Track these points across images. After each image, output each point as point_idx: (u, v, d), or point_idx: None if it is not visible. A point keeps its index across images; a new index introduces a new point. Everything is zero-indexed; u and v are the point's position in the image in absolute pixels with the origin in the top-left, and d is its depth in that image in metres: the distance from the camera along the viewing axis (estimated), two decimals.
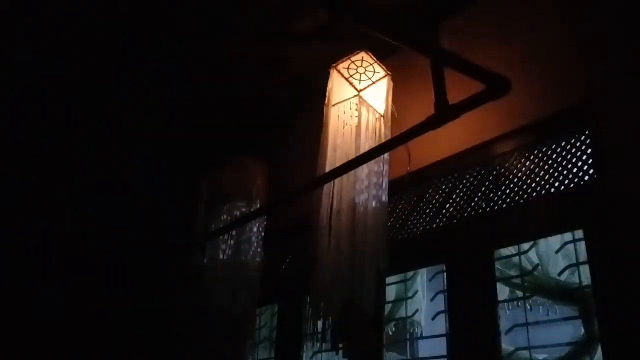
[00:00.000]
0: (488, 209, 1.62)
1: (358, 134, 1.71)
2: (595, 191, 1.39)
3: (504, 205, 1.58)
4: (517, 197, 1.56)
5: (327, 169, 1.68)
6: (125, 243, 2.78)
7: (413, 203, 1.87)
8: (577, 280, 1.49)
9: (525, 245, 1.62)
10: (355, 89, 1.73)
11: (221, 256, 2.18)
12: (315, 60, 2.10)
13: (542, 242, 1.73)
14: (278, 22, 1.99)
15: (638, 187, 1.29)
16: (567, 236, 1.54)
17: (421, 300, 2.11)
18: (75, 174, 2.78)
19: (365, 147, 1.68)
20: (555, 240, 1.71)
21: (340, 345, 1.58)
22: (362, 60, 1.79)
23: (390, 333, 2.06)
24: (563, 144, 1.51)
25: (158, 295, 2.73)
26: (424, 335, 2.07)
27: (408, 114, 1.82)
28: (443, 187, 1.79)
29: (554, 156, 1.51)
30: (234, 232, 2.19)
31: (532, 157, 1.57)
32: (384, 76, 1.80)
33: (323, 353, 2.11)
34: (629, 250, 1.26)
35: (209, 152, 2.62)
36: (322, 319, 1.60)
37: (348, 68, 1.77)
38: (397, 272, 1.91)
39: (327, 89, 1.81)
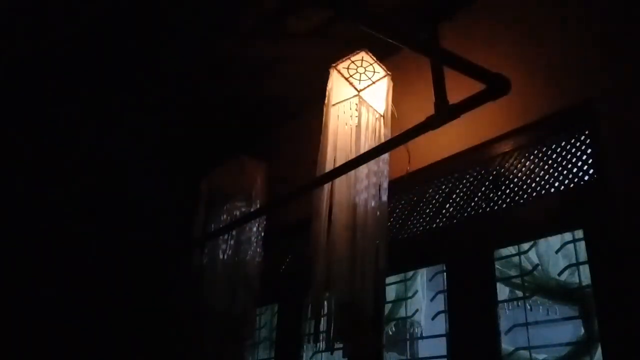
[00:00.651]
0: (488, 209, 1.62)
1: (358, 134, 1.71)
2: (595, 191, 1.39)
3: (504, 205, 1.58)
4: (517, 197, 1.56)
5: (327, 169, 1.68)
6: (125, 243, 2.78)
7: (413, 203, 1.87)
8: (577, 280, 1.50)
9: (525, 245, 1.62)
10: (355, 89, 1.73)
11: (221, 256, 2.18)
12: (315, 60, 2.10)
13: (542, 242, 1.74)
14: (278, 22, 1.99)
15: (638, 187, 1.29)
16: (567, 236, 1.54)
17: (421, 300, 2.12)
18: (75, 174, 2.78)
19: (365, 147, 1.68)
20: (555, 240, 1.71)
21: (340, 346, 1.58)
22: (362, 60, 1.78)
23: (390, 333, 2.06)
24: (563, 143, 1.51)
25: (158, 295, 2.73)
26: (424, 335, 2.07)
27: (408, 114, 1.82)
28: (443, 187, 1.79)
29: (554, 156, 1.51)
30: (234, 232, 2.18)
31: (532, 157, 1.57)
32: (384, 76, 1.80)
33: (323, 353, 2.11)
34: (629, 250, 1.26)
35: (209, 152, 2.62)
36: (320, 319, 1.60)
37: (348, 68, 1.77)
38: (397, 272, 1.91)
39: (327, 89, 1.81)
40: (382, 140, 1.70)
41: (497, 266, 1.61)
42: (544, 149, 1.54)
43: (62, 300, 2.64)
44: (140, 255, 2.79)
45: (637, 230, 1.27)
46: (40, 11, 1.94)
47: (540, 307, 1.75)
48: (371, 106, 1.76)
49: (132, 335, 2.72)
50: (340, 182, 1.70)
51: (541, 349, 1.61)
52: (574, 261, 1.52)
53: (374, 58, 1.81)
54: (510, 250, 1.63)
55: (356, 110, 1.76)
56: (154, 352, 2.60)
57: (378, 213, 1.63)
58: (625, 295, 1.24)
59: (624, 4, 1.45)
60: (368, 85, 1.75)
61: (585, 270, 1.41)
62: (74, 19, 1.99)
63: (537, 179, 1.53)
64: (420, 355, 2.03)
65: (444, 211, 1.75)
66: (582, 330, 1.56)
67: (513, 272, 1.66)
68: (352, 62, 1.78)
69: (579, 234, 1.44)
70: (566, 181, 1.47)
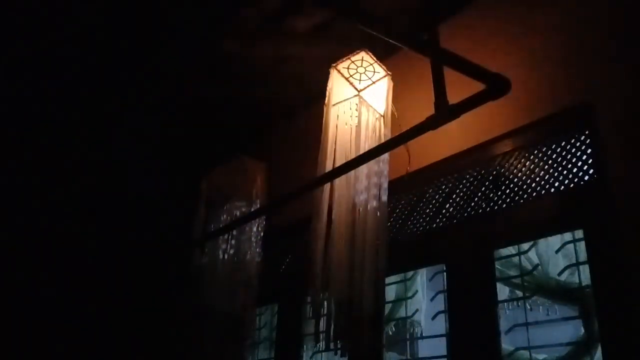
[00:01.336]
0: (488, 209, 1.62)
1: (358, 134, 1.70)
2: (595, 191, 1.39)
3: (504, 205, 1.58)
4: (517, 197, 1.56)
5: (327, 169, 1.68)
6: (125, 243, 2.78)
7: (413, 203, 1.87)
8: (577, 280, 1.49)
9: (525, 245, 1.62)
10: (356, 88, 1.73)
11: (221, 256, 2.18)
12: (315, 60, 2.10)
13: (542, 242, 1.74)
14: (278, 22, 1.99)
15: (638, 187, 1.29)
16: (567, 236, 1.54)
17: (421, 300, 2.12)
18: (75, 174, 2.78)
19: (365, 147, 1.68)
20: (555, 240, 1.71)
21: (339, 345, 1.58)
22: (362, 60, 1.78)
23: (390, 333, 2.06)
24: (563, 143, 1.51)
25: (158, 295, 2.73)
26: (424, 335, 2.07)
27: (408, 114, 1.82)
28: (443, 187, 1.79)
29: (554, 156, 1.51)
30: (234, 232, 2.18)
31: (532, 157, 1.57)
32: (384, 76, 1.79)
33: (323, 353, 2.11)
34: (630, 250, 1.26)
35: (209, 152, 2.62)
36: (318, 319, 1.60)
37: (348, 68, 1.77)
38: (397, 272, 1.91)
39: (327, 88, 1.81)
40: (382, 140, 1.70)
41: (497, 266, 1.61)
42: (544, 149, 1.54)
43: (62, 300, 2.64)
44: (140, 255, 2.79)
45: (637, 230, 1.27)
46: (40, 11, 1.94)
47: (540, 307, 1.75)
48: (371, 106, 1.76)
49: (132, 335, 2.72)
50: (340, 182, 1.70)
51: (541, 349, 1.61)
52: (574, 261, 1.52)
53: (374, 58, 1.80)
54: (510, 250, 1.63)
55: (356, 110, 1.76)
56: (154, 352, 2.60)
57: (378, 213, 1.63)
58: (626, 295, 1.24)
59: (624, 4, 1.45)
60: (368, 85, 1.74)
61: (585, 270, 1.41)
62: (74, 19, 1.99)
63: (537, 179, 1.53)
64: (420, 355, 2.03)
65: (444, 211, 1.75)
66: (582, 331, 1.56)
67: (513, 272, 1.66)
68: (352, 62, 1.78)
69: (579, 234, 1.44)
70: (566, 181, 1.47)
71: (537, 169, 1.54)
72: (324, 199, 1.70)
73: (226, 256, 2.16)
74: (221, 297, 2.09)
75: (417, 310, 2.04)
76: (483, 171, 1.68)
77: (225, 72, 2.31)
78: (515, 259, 1.64)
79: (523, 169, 1.57)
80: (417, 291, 2.06)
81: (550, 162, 1.52)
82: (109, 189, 2.83)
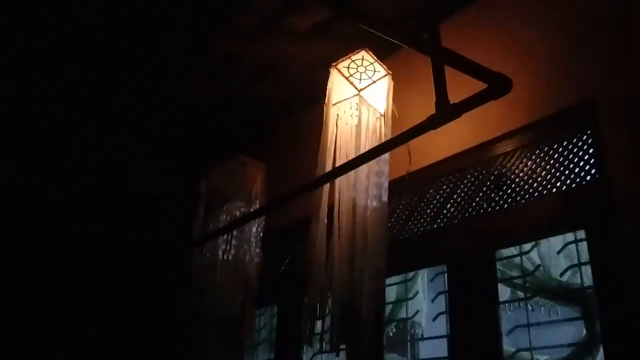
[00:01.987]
0: (489, 209, 1.62)
1: (358, 134, 1.70)
2: (597, 191, 1.38)
3: (505, 206, 1.58)
4: (518, 198, 1.55)
5: (327, 169, 1.67)
6: (125, 243, 2.78)
7: (414, 203, 1.86)
8: (579, 281, 1.49)
9: (526, 246, 1.61)
10: (356, 88, 1.72)
11: (220, 256, 2.17)
12: (315, 59, 2.09)
13: (543, 242, 1.73)
14: (278, 22, 1.98)
15: None
16: (569, 236, 1.54)
17: (422, 301, 2.11)
18: (75, 174, 2.78)
19: (365, 146, 1.67)
20: (557, 241, 1.70)
21: (340, 347, 1.57)
22: (362, 59, 1.77)
23: (391, 334, 2.06)
24: (565, 143, 1.50)
25: (158, 296, 2.72)
26: (424, 336, 2.07)
27: (409, 114, 1.81)
28: (444, 187, 1.78)
29: (556, 156, 1.51)
30: (233, 233, 2.18)
31: (533, 157, 1.56)
32: (385, 75, 1.79)
33: (323, 354, 2.10)
34: (631, 251, 1.25)
35: (209, 152, 2.61)
36: (318, 320, 1.59)
37: (348, 67, 1.76)
38: (398, 273, 1.90)
39: (327, 88, 1.80)
40: (383, 140, 1.69)
41: (498, 267, 1.60)
42: (546, 149, 1.53)
43: (62, 300, 2.63)
44: (140, 255, 2.78)
45: (639, 230, 1.26)
46: (40, 11, 1.94)
47: (542, 308, 1.75)
48: (372, 106, 1.75)
49: (132, 335, 2.71)
50: (340, 182, 1.69)
51: (543, 350, 1.60)
52: (575, 262, 1.51)
53: (375, 57, 1.80)
54: (512, 250, 1.63)
55: (356, 109, 1.75)
56: (153, 352, 2.60)
57: (378, 213, 1.62)
58: (628, 296, 1.23)
59: (625, 3, 1.44)
60: (368, 85, 1.74)
61: (587, 271, 1.40)
62: (74, 19, 1.98)
63: (539, 179, 1.52)
64: (421, 357, 2.03)
65: (445, 211, 1.74)
66: (584, 331, 1.56)
67: (514, 273, 1.65)
68: (353, 61, 1.77)
69: (581, 234, 1.44)
70: (568, 181, 1.46)
71: (539, 169, 1.53)
72: (324, 199, 1.69)
73: (225, 257, 2.16)
74: (220, 297, 2.08)
75: (418, 311, 2.04)
76: (484, 171, 1.67)
77: (225, 72, 2.30)
78: (517, 260, 1.63)
79: (524, 169, 1.57)
80: (417, 292, 2.05)
81: (551, 162, 1.51)
82: (109, 189, 2.83)
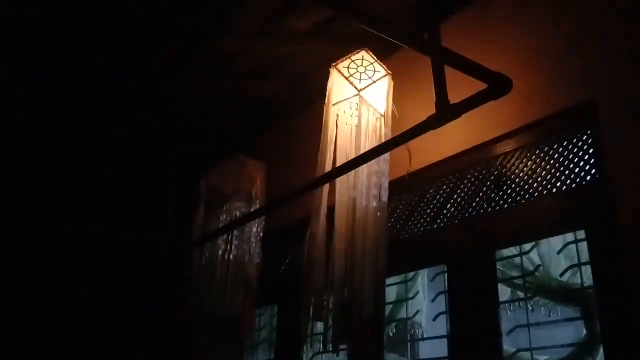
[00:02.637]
0: (489, 209, 1.61)
1: (358, 134, 1.70)
2: (597, 191, 1.38)
3: (505, 206, 1.57)
4: (518, 198, 1.55)
5: (327, 169, 1.67)
6: (125, 243, 2.78)
7: (414, 203, 1.86)
8: (579, 281, 1.49)
9: (526, 246, 1.61)
10: (356, 88, 1.72)
11: (220, 256, 2.17)
12: (315, 59, 2.09)
13: (543, 242, 1.73)
14: (278, 22, 1.98)
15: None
16: (569, 236, 1.53)
17: (422, 301, 2.11)
18: (75, 174, 2.78)
19: (365, 146, 1.67)
20: (557, 241, 1.70)
21: (340, 347, 1.57)
22: (362, 59, 1.77)
23: (391, 334, 2.06)
24: (565, 143, 1.50)
25: (158, 296, 2.72)
26: (424, 336, 2.07)
27: (408, 114, 1.81)
28: (444, 187, 1.78)
29: (556, 156, 1.50)
30: (233, 233, 2.18)
31: (533, 157, 1.56)
32: (385, 75, 1.78)
33: (323, 354, 2.10)
34: (631, 251, 1.25)
35: (209, 152, 2.61)
36: (318, 320, 1.59)
37: (348, 67, 1.76)
38: (398, 273, 1.90)
39: (327, 88, 1.80)
40: (383, 139, 1.69)
41: (498, 267, 1.60)
42: (546, 149, 1.53)
43: (62, 300, 2.63)
44: (140, 255, 2.78)
45: (639, 230, 1.25)
46: (40, 11, 1.93)
47: (542, 308, 1.75)
48: (371, 105, 1.75)
49: (132, 335, 2.71)
50: (340, 182, 1.69)
51: (543, 350, 1.60)
52: (575, 262, 1.51)
53: (375, 57, 1.80)
54: (512, 250, 1.63)
55: (356, 109, 1.75)
56: (154, 352, 2.60)
57: (378, 213, 1.62)
58: (628, 296, 1.23)
59: (625, 3, 1.44)
60: (368, 85, 1.74)
61: (587, 271, 1.40)
62: (73, 19, 1.98)
63: (539, 179, 1.52)
64: (421, 357, 2.03)
65: (444, 211, 1.74)
66: (584, 331, 1.56)
67: (514, 273, 1.65)
68: (353, 61, 1.77)
69: (581, 234, 1.43)
70: (568, 181, 1.46)
71: (539, 169, 1.53)
72: (324, 199, 1.69)
73: (225, 256, 2.16)
74: (220, 297, 2.08)
75: (418, 311, 2.04)
76: (484, 171, 1.67)
77: (225, 72, 2.30)
78: (517, 260, 1.63)
79: (524, 169, 1.56)
80: (418, 292, 2.05)
81: (551, 162, 1.51)
82: (108, 189, 2.83)
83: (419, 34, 1.25)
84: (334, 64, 1.80)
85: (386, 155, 1.68)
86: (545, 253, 1.76)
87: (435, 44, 1.17)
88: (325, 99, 1.80)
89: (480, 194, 1.65)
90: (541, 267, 1.69)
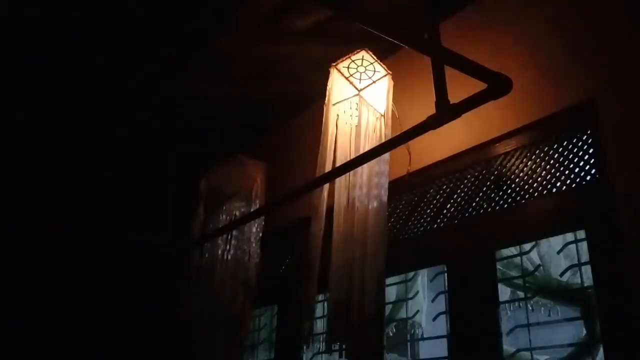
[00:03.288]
0: (489, 209, 1.61)
1: (358, 134, 1.70)
2: (597, 191, 1.38)
3: (505, 206, 1.57)
4: (518, 197, 1.55)
5: (327, 169, 1.67)
6: (125, 243, 2.78)
7: (414, 203, 1.86)
8: (579, 281, 1.49)
9: (526, 246, 1.61)
10: (356, 88, 1.72)
11: (220, 256, 2.17)
12: (316, 59, 2.09)
13: (543, 242, 1.73)
14: (278, 22, 1.98)
15: None
16: (569, 236, 1.53)
17: (422, 301, 2.11)
18: (75, 174, 2.78)
19: (365, 147, 1.67)
20: (557, 241, 1.70)
21: (341, 347, 1.57)
22: (362, 59, 1.77)
23: (391, 334, 2.06)
24: (565, 143, 1.50)
25: (157, 296, 2.72)
26: (424, 336, 2.07)
27: (408, 114, 1.81)
28: (444, 187, 1.78)
29: (556, 156, 1.50)
30: (233, 233, 2.18)
31: (533, 157, 1.56)
32: (385, 75, 1.79)
33: (323, 354, 2.10)
34: (632, 251, 1.25)
35: (209, 152, 2.61)
36: (313, 320, 1.59)
37: (348, 67, 1.76)
38: (398, 273, 1.90)
39: (327, 88, 1.80)
40: (383, 140, 1.70)
41: (498, 267, 1.60)
42: (546, 149, 1.53)
43: (62, 300, 2.63)
44: (141, 255, 2.78)
45: (639, 230, 1.25)
46: (40, 11, 1.93)
47: (542, 308, 1.75)
48: (371, 106, 1.75)
49: (132, 335, 2.71)
50: (340, 182, 1.69)
51: (543, 350, 1.60)
52: (575, 262, 1.51)
53: (375, 57, 1.80)
54: (512, 250, 1.63)
55: (356, 109, 1.75)
56: (154, 352, 2.60)
57: (378, 213, 1.62)
58: (628, 296, 1.23)
59: (625, 3, 1.44)
60: (368, 85, 1.74)
61: (587, 270, 1.40)
62: (73, 19, 1.98)
63: (539, 179, 1.52)
64: (421, 357, 2.03)
65: (444, 211, 1.74)
66: (584, 331, 1.55)
67: (514, 273, 1.65)
68: (353, 61, 1.77)
69: (581, 234, 1.43)
70: (568, 181, 1.46)
71: (539, 169, 1.53)
72: (324, 199, 1.69)
73: (225, 256, 2.16)
74: (220, 297, 2.08)
75: (418, 311, 2.04)
76: (484, 171, 1.67)
77: (225, 72, 2.30)
78: (517, 260, 1.63)
79: (524, 169, 1.56)
80: (417, 292, 2.05)
81: (551, 162, 1.51)
82: (108, 189, 2.83)
83: (419, 34, 1.25)
84: (334, 64, 1.80)
85: (386, 156, 1.68)
86: (545, 253, 1.76)
87: (435, 44, 1.17)
88: (325, 99, 1.80)
89: (480, 194, 1.65)
90: (541, 267, 1.69)
